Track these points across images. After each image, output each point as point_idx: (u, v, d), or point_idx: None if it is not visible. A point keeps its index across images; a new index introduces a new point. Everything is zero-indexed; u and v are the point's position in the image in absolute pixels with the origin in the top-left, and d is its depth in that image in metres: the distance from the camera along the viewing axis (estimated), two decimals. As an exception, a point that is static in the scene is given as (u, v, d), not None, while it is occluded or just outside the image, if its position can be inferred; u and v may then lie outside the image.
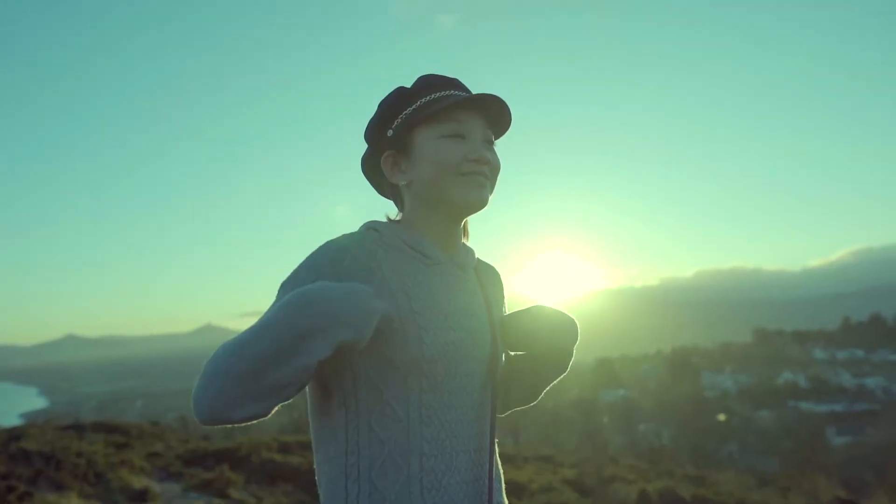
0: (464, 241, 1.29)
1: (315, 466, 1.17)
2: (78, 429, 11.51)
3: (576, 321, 1.30)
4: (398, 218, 1.26)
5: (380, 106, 1.24)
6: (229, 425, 0.99)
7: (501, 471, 1.25)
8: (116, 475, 6.99)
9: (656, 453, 25.32)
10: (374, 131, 1.24)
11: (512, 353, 1.34)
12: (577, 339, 1.30)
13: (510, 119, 1.23)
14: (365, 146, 1.28)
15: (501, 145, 1.26)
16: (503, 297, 1.38)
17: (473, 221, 1.31)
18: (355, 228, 1.21)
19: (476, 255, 1.32)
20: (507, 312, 1.36)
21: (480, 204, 1.18)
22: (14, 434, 9.47)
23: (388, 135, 1.21)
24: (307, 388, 1.17)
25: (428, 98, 1.18)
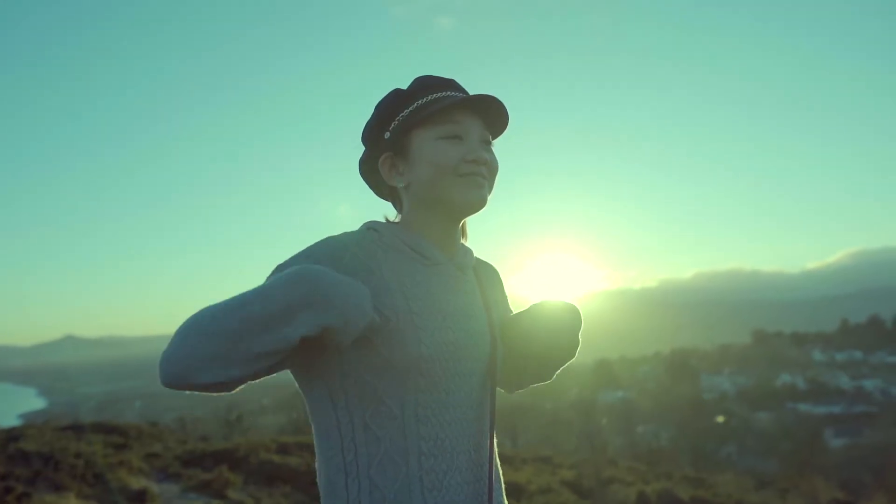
0: (462, 241, 1.30)
1: (316, 467, 1.17)
2: (76, 429, 11.49)
3: (576, 308, 1.31)
4: (396, 220, 1.26)
5: (376, 108, 1.24)
6: (191, 390, 0.98)
7: (501, 472, 1.25)
8: (115, 476, 6.98)
9: (655, 455, 25.35)
10: (372, 133, 1.24)
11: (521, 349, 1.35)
12: (579, 327, 1.32)
13: (507, 119, 1.23)
14: (362, 148, 1.29)
15: (500, 146, 1.25)
16: (504, 295, 1.39)
17: (472, 222, 1.31)
18: (357, 228, 1.22)
19: (474, 255, 1.32)
20: (510, 311, 1.38)
21: (479, 204, 1.19)
22: (12, 434, 9.46)
23: (386, 137, 1.21)
24: (300, 390, 1.18)
25: (425, 99, 1.19)
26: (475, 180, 1.17)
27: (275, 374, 1.07)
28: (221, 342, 0.94)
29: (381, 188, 1.30)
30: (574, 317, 1.30)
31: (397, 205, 1.28)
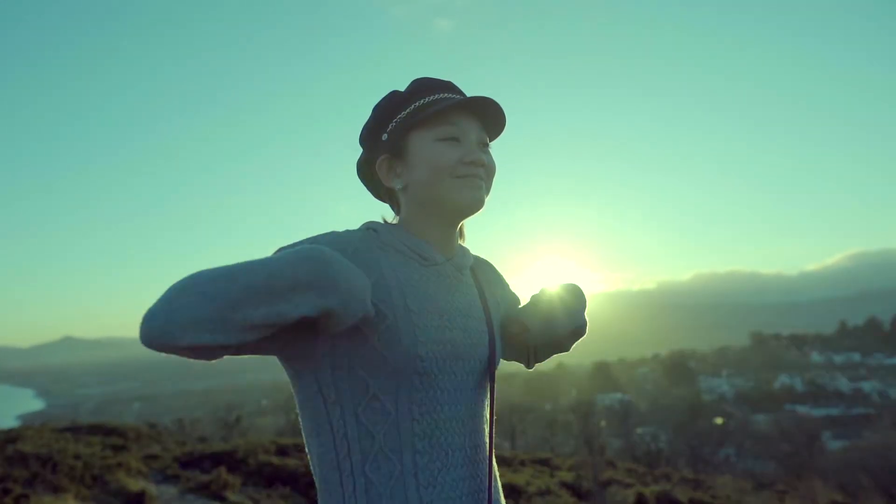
0: (460, 242, 1.30)
1: (311, 464, 1.17)
2: (75, 431, 11.49)
3: (580, 291, 1.37)
4: (394, 221, 1.26)
5: (374, 110, 1.24)
6: (171, 352, 0.93)
7: (497, 472, 1.26)
8: (113, 477, 6.98)
9: (653, 457, 25.32)
10: (369, 135, 1.24)
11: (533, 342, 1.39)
12: (585, 308, 1.37)
13: (504, 121, 1.23)
14: (360, 149, 1.29)
15: (498, 149, 1.26)
16: (504, 285, 1.41)
17: (471, 226, 1.32)
18: (356, 228, 1.23)
19: (472, 255, 1.33)
20: (515, 297, 1.42)
21: (477, 206, 1.19)
22: (10, 436, 9.44)
23: (383, 139, 1.21)
24: (290, 383, 1.17)
25: (422, 101, 1.19)
26: (473, 182, 1.17)
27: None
28: (218, 306, 0.91)
29: (378, 190, 1.30)
30: (575, 303, 1.35)
31: (395, 206, 1.28)
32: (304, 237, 1.13)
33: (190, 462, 8.79)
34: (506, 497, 1.30)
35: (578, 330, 1.39)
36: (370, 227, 1.21)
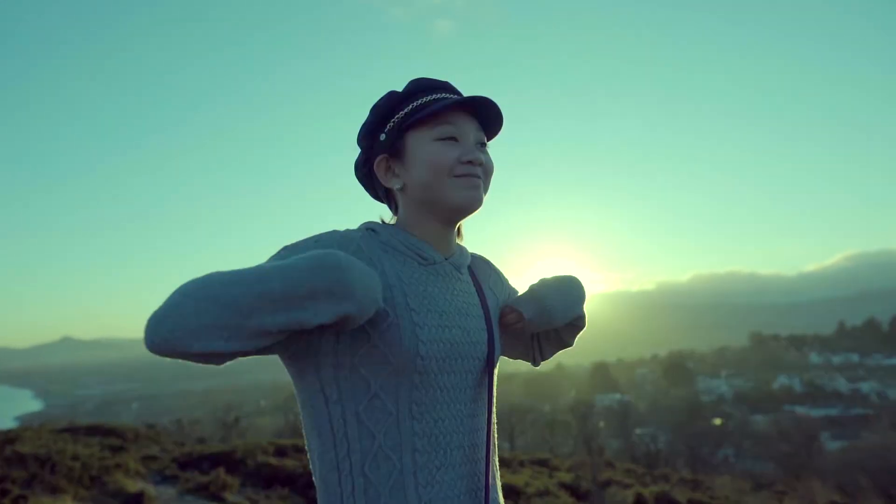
0: (458, 241, 1.30)
1: (310, 465, 1.17)
2: (73, 431, 11.48)
3: (577, 281, 1.42)
4: (392, 222, 1.27)
5: (372, 110, 1.24)
6: (179, 357, 0.91)
7: (498, 470, 1.26)
8: (111, 478, 6.97)
9: (652, 457, 25.36)
10: (367, 135, 1.25)
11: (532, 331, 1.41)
12: (583, 299, 1.41)
13: (502, 121, 1.24)
14: (358, 151, 1.29)
15: (497, 151, 1.27)
16: (502, 281, 1.42)
17: (470, 227, 1.32)
18: (354, 228, 1.23)
19: (470, 254, 1.34)
20: (514, 291, 1.44)
21: (475, 205, 1.19)
22: (9, 437, 9.42)
23: (381, 139, 1.22)
24: (292, 382, 1.18)
25: (420, 101, 1.19)
26: (471, 181, 1.17)
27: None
28: (231, 313, 0.89)
29: (376, 190, 1.30)
30: (573, 291, 1.39)
31: (393, 207, 1.29)
32: (304, 236, 1.13)
33: (188, 463, 8.78)
34: (505, 498, 1.30)
35: (576, 321, 1.41)
36: (369, 227, 1.21)
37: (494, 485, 1.21)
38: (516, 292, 1.44)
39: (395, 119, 1.20)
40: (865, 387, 76.91)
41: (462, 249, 1.29)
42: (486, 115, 1.22)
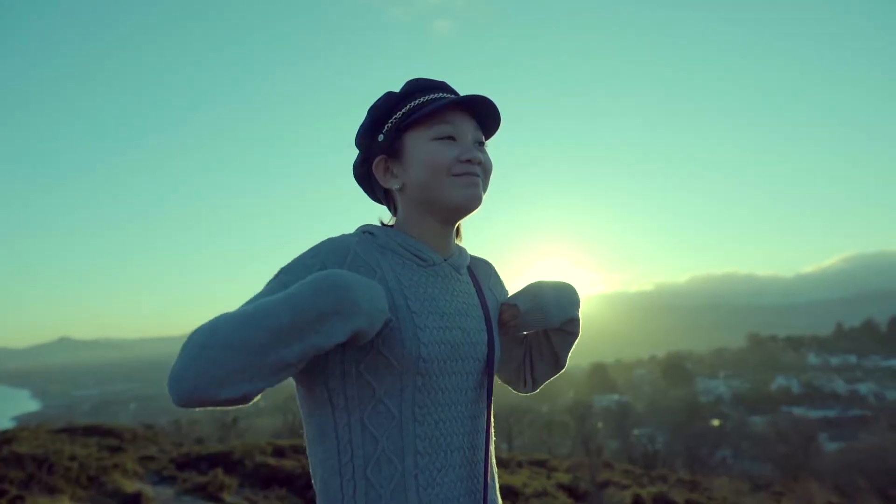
0: (457, 242, 1.30)
1: (310, 468, 1.17)
2: (71, 432, 11.46)
3: (572, 287, 1.38)
4: (391, 223, 1.27)
5: (369, 111, 1.24)
6: (210, 406, 0.91)
7: (496, 471, 1.26)
8: (109, 479, 6.95)
9: (650, 458, 25.34)
10: (365, 137, 1.25)
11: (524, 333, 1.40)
12: (578, 304, 1.37)
13: (499, 119, 1.24)
14: (356, 152, 1.29)
15: (496, 150, 1.28)
16: (502, 286, 1.41)
17: (469, 228, 1.33)
18: (353, 231, 1.23)
19: (469, 254, 1.33)
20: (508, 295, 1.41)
21: (474, 204, 1.19)
22: (6, 437, 9.40)
23: (379, 140, 1.22)
24: (295, 389, 1.18)
25: (417, 101, 1.19)
26: (469, 180, 1.17)
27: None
28: (248, 355, 0.90)
29: (375, 191, 1.30)
30: (570, 293, 1.36)
31: (392, 208, 1.29)
32: (303, 237, 1.13)
33: (186, 463, 8.77)
34: (503, 498, 1.31)
35: (571, 325, 1.38)
36: (366, 230, 1.21)
37: (493, 486, 1.21)
38: None
39: (392, 120, 1.20)
40: (863, 388, 76.89)
41: (461, 250, 1.29)
42: (484, 115, 1.22)
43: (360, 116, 1.27)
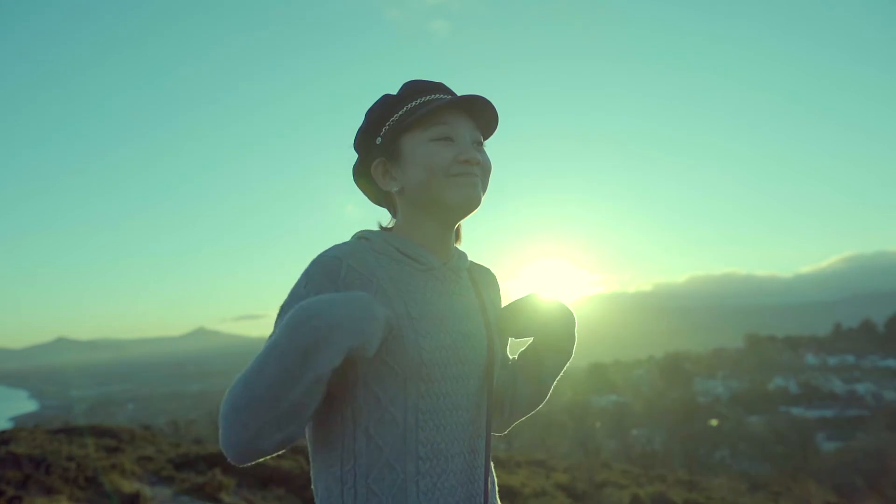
0: (456, 245, 1.30)
1: (311, 475, 1.17)
2: (68, 432, 11.44)
3: (571, 309, 1.32)
4: (390, 225, 1.26)
5: (367, 114, 1.24)
6: (265, 457, 0.99)
7: (495, 474, 1.26)
8: (107, 479, 6.94)
9: (648, 458, 25.38)
10: (363, 140, 1.24)
11: (516, 339, 1.35)
12: (575, 324, 1.32)
13: (497, 119, 1.23)
14: (354, 154, 1.29)
15: (494, 151, 1.27)
16: (500, 300, 1.38)
17: (467, 228, 1.32)
18: (366, 226, 1.23)
19: (469, 258, 1.32)
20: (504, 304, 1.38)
21: (473, 204, 1.18)
22: (3, 437, 9.40)
23: (377, 142, 1.21)
24: None
25: (414, 103, 1.19)
26: (468, 180, 1.17)
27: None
28: (263, 411, 0.94)
29: (375, 194, 1.30)
30: (570, 312, 1.31)
31: (391, 210, 1.28)
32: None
33: (184, 463, 8.77)
34: (501, 499, 1.30)
35: (564, 343, 1.32)
36: (362, 236, 1.20)
37: (493, 491, 1.21)
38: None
39: (390, 122, 1.20)
40: (861, 388, 76.91)
41: (461, 253, 1.28)
42: (482, 115, 1.21)
43: (358, 118, 1.26)
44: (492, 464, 1.24)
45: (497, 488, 1.26)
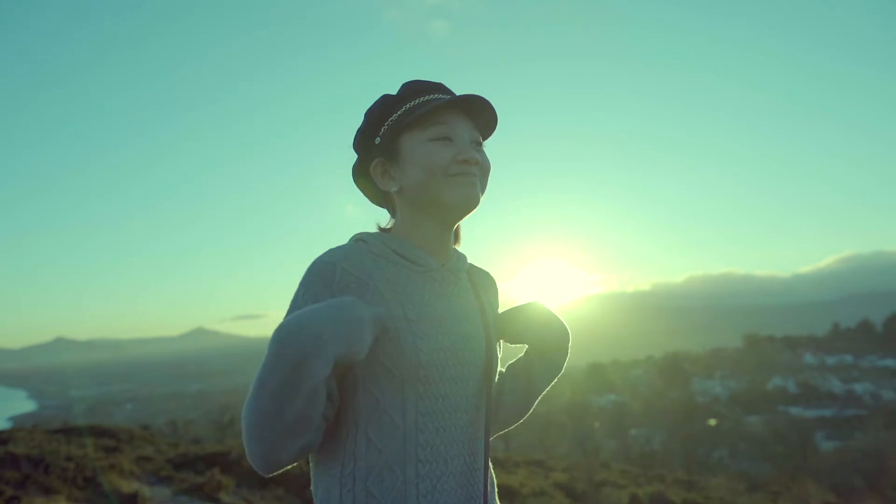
0: (455, 246, 1.30)
1: (311, 476, 1.17)
2: (67, 432, 11.43)
3: (567, 327, 1.33)
4: (389, 226, 1.26)
5: (366, 114, 1.24)
6: (290, 465, 1.04)
7: (494, 475, 1.26)
8: (106, 479, 6.94)
9: (647, 458, 25.37)
10: (362, 140, 1.24)
11: (510, 345, 1.36)
12: (569, 339, 1.32)
13: (496, 119, 1.23)
14: (353, 154, 1.29)
15: (493, 151, 1.28)
16: (498, 303, 1.38)
17: (466, 228, 1.32)
18: (366, 226, 1.24)
19: (468, 261, 1.32)
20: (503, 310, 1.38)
21: (472, 204, 1.18)
22: (2, 437, 9.39)
23: (376, 143, 1.22)
24: None
25: (413, 103, 1.19)
26: (467, 179, 1.17)
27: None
28: (273, 424, 0.98)
29: (374, 194, 1.30)
30: (566, 327, 1.32)
31: (391, 210, 1.28)
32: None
33: (183, 463, 8.76)
34: (500, 498, 1.30)
35: (557, 355, 1.32)
36: (359, 239, 1.20)
37: (492, 493, 1.22)
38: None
39: (388, 122, 1.20)
40: (859, 388, 77.01)
41: (459, 255, 1.28)
42: (480, 114, 1.21)
43: (358, 118, 1.26)
44: (490, 464, 1.24)
45: (496, 488, 1.26)
